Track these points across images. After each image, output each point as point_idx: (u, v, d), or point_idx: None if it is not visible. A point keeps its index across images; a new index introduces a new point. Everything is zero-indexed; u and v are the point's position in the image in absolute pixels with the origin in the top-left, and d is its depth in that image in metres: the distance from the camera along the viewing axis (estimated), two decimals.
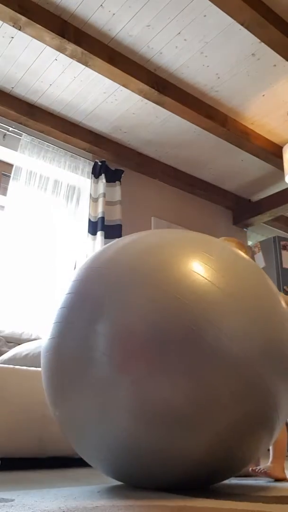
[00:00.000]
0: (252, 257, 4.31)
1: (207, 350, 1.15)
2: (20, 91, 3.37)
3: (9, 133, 3.44)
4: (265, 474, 1.68)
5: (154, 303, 1.20)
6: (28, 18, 2.61)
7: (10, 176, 3.41)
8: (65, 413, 1.35)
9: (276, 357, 1.24)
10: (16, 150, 3.44)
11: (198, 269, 1.26)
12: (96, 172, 3.83)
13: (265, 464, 1.78)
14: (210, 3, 2.54)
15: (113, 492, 1.33)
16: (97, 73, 3.10)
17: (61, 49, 2.84)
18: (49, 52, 2.98)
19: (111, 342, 1.21)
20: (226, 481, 1.68)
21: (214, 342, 1.16)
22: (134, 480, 1.36)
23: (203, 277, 1.24)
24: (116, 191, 3.86)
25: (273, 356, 1.23)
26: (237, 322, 1.21)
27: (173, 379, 1.15)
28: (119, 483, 1.56)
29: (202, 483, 1.37)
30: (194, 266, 1.27)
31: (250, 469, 1.73)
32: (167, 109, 3.39)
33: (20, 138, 3.47)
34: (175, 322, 1.17)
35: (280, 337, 1.28)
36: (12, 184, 3.37)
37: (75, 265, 3.57)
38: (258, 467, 1.73)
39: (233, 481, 1.72)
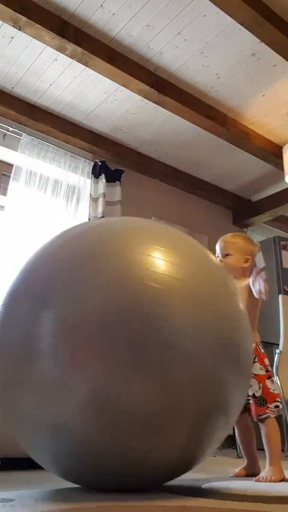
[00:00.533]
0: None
1: (162, 344, 1.10)
2: (20, 91, 3.37)
3: (9, 133, 3.44)
4: (270, 480, 1.69)
5: (109, 293, 1.13)
6: (28, 18, 2.61)
7: (10, 176, 3.41)
8: (13, 414, 1.26)
9: (229, 351, 1.21)
10: (16, 150, 3.44)
11: (156, 261, 1.19)
12: (96, 172, 3.83)
13: (264, 469, 1.78)
14: (210, 3, 2.54)
15: (114, 492, 1.33)
16: (97, 73, 3.10)
17: (61, 49, 2.84)
18: (49, 52, 2.98)
19: (60, 334, 1.12)
20: (226, 482, 1.68)
21: (169, 336, 1.11)
22: (87, 482, 1.29)
23: (161, 269, 1.18)
24: (116, 191, 3.86)
25: (227, 350, 1.20)
26: (192, 316, 1.16)
27: (126, 373, 1.08)
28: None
29: (161, 481, 1.34)
30: (151, 257, 1.20)
31: (254, 479, 1.73)
32: (167, 109, 3.39)
33: (20, 138, 3.47)
34: (129, 314, 1.11)
35: (234, 331, 1.25)
36: (12, 184, 3.37)
37: None
38: (261, 476, 1.73)
39: (232, 481, 1.72)
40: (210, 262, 1.36)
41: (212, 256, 1.40)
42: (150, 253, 1.20)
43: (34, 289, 1.23)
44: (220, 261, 2.03)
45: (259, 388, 1.82)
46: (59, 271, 1.22)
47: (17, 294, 1.28)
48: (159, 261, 1.19)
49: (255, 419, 1.84)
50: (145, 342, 1.09)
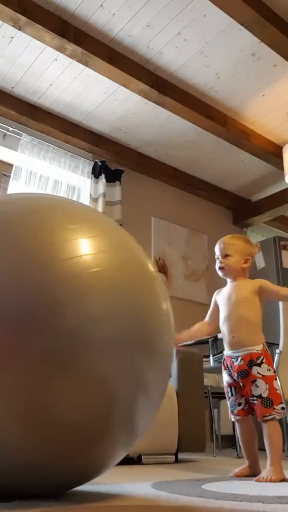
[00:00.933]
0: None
1: (69, 332, 0.99)
2: (20, 91, 3.37)
3: (9, 133, 3.44)
4: (270, 480, 1.69)
5: (13, 275, 1.01)
6: (28, 18, 2.61)
7: (10, 176, 3.41)
8: None
9: (145, 339, 1.12)
10: (16, 150, 3.44)
11: (70, 244, 1.07)
12: (96, 172, 3.83)
13: (265, 469, 1.78)
14: (210, 3, 2.54)
15: (113, 492, 1.33)
16: (97, 73, 3.10)
17: (61, 49, 2.84)
18: (49, 52, 2.98)
19: None
20: (226, 482, 1.69)
21: (78, 323, 1.00)
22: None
23: (74, 253, 1.06)
24: (116, 191, 3.86)
25: (143, 339, 1.11)
26: (105, 303, 1.06)
27: (31, 365, 0.96)
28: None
29: (62, 488, 1.22)
30: (65, 239, 1.08)
31: (254, 479, 1.73)
32: (167, 109, 3.39)
33: (20, 138, 3.47)
34: (34, 299, 0.99)
35: (150, 319, 1.16)
36: (12, 184, 3.37)
37: None
38: (262, 476, 1.73)
39: (233, 481, 1.72)
40: (132, 251, 1.24)
41: (135, 245, 1.28)
42: (64, 238, 1.08)
43: None
44: (220, 262, 2.03)
45: (266, 389, 1.82)
46: None
47: None
48: (75, 247, 1.07)
49: (259, 420, 1.84)
50: (52, 332, 0.98)
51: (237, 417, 1.94)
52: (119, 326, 1.06)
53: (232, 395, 1.94)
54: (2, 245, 1.05)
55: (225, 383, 1.98)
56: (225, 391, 1.98)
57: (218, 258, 2.05)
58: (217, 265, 2.04)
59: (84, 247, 1.09)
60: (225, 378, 1.97)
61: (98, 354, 1.02)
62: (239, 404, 1.92)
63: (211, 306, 2.08)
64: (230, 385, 1.95)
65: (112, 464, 1.23)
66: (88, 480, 1.23)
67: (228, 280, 2.05)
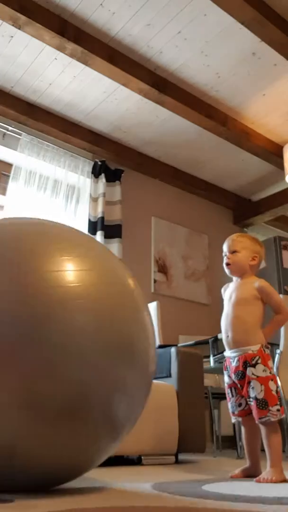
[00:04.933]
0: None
1: (55, 343, 1.15)
2: (20, 90, 3.36)
3: (8, 132, 3.44)
4: (270, 481, 1.68)
5: (7, 294, 1.16)
6: (28, 17, 2.61)
7: (9, 175, 3.40)
8: None
9: (124, 351, 1.27)
10: (15, 149, 3.43)
11: (57, 265, 1.23)
12: (96, 172, 3.82)
13: (265, 470, 1.78)
14: (210, 2, 2.53)
15: (114, 493, 1.32)
16: (97, 73, 3.10)
17: (60, 48, 2.83)
18: (49, 51, 2.98)
19: None
20: (227, 482, 1.68)
21: (62, 336, 1.16)
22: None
23: (60, 273, 1.22)
24: (116, 190, 3.85)
25: (122, 350, 1.26)
26: (88, 318, 1.21)
27: (23, 372, 1.13)
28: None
29: (53, 483, 1.33)
30: (53, 261, 1.24)
31: (255, 480, 1.72)
32: (167, 109, 3.38)
33: (20, 138, 3.46)
34: (25, 314, 1.15)
35: (130, 333, 1.31)
36: (11, 184, 3.36)
37: None
38: (262, 477, 1.72)
39: (233, 481, 1.71)
40: (111, 268, 1.39)
41: (115, 262, 1.43)
42: (51, 259, 1.24)
43: None
44: (228, 258, 2.02)
45: (261, 391, 1.80)
46: None
47: None
48: (62, 268, 1.24)
49: (256, 422, 1.83)
50: (39, 343, 1.14)
51: (238, 418, 1.93)
52: (98, 337, 1.22)
53: (232, 396, 1.94)
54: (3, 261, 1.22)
55: (225, 384, 1.97)
56: (226, 392, 1.97)
57: (225, 255, 2.04)
58: (224, 261, 2.03)
59: (68, 265, 1.25)
60: (225, 379, 1.96)
61: (77, 361, 1.17)
62: (239, 405, 1.91)
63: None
64: (229, 386, 1.94)
65: (98, 458, 1.33)
66: (77, 476, 1.34)
67: (234, 278, 2.04)
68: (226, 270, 2.04)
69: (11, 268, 1.21)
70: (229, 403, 1.96)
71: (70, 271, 1.24)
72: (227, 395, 1.97)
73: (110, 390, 1.25)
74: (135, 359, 1.31)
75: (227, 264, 2.02)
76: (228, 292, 2.02)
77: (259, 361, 1.83)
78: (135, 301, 1.39)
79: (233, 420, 1.98)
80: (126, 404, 1.32)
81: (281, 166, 3.86)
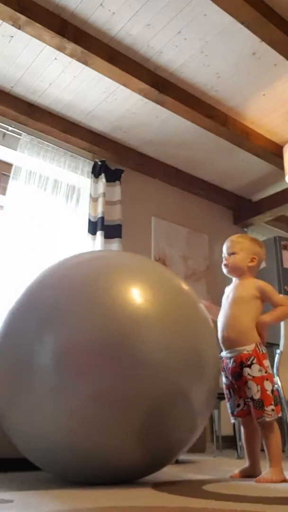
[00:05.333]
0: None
1: (134, 357, 1.40)
2: (20, 90, 3.36)
3: (8, 132, 3.44)
4: (270, 481, 1.69)
5: (97, 322, 1.43)
6: (28, 17, 2.60)
7: (9, 175, 3.40)
8: (15, 419, 1.49)
9: (191, 365, 1.50)
10: (15, 149, 3.43)
11: (133, 293, 1.51)
12: (96, 172, 3.82)
13: (265, 470, 1.78)
14: (210, 2, 2.53)
15: (113, 493, 1.32)
16: (97, 73, 3.10)
17: (61, 48, 2.83)
18: (49, 51, 2.97)
19: (58, 352, 1.41)
20: (227, 482, 1.68)
21: (140, 351, 1.41)
22: (82, 478, 1.50)
23: (136, 300, 1.50)
24: (116, 191, 3.85)
25: (189, 364, 1.50)
26: (160, 337, 1.46)
27: (110, 380, 1.38)
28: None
29: (135, 476, 1.58)
30: (129, 293, 1.51)
31: (255, 480, 1.72)
32: (167, 109, 3.38)
33: (20, 138, 3.46)
34: (111, 335, 1.41)
35: (198, 349, 1.54)
36: (11, 184, 3.36)
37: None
38: (262, 477, 1.72)
39: (233, 482, 1.71)
40: (179, 292, 1.65)
41: (181, 284, 1.69)
42: (129, 289, 1.52)
43: (39, 310, 1.51)
44: (226, 259, 2.03)
45: (258, 391, 1.80)
46: (59, 298, 1.51)
47: (23, 312, 1.55)
48: (135, 295, 1.51)
49: (255, 421, 1.83)
50: (120, 357, 1.39)
51: (238, 418, 1.93)
52: (171, 351, 1.46)
53: (231, 396, 1.94)
54: (91, 295, 1.50)
55: (223, 385, 1.97)
56: (225, 392, 1.97)
57: (224, 256, 2.05)
58: (223, 262, 2.04)
59: (147, 297, 1.52)
60: (223, 379, 1.96)
61: (153, 371, 1.42)
62: (238, 405, 1.91)
63: None
64: (227, 387, 1.95)
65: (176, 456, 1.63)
66: (160, 468, 1.63)
67: (234, 278, 2.04)
68: (224, 271, 2.05)
69: (93, 295, 1.48)
70: (228, 404, 1.96)
71: (140, 292, 1.51)
72: (226, 396, 1.97)
73: (179, 400, 1.46)
74: (205, 372, 1.54)
75: (225, 265, 2.03)
76: (226, 292, 2.02)
77: (255, 361, 1.84)
78: (200, 312, 1.64)
79: (233, 420, 1.98)
80: (193, 415, 1.52)
81: (281, 166, 3.86)
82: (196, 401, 1.51)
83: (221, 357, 1.95)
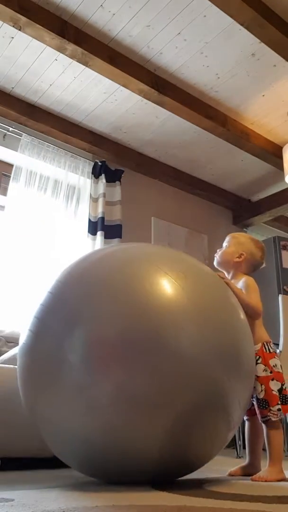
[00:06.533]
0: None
1: (167, 351, 1.35)
2: (20, 91, 3.37)
3: (9, 133, 3.44)
4: (265, 480, 1.69)
5: (124, 312, 1.39)
6: (28, 18, 2.61)
7: (10, 176, 3.41)
8: (43, 415, 1.47)
9: (228, 359, 1.44)
10: (16, 150, 3.44)
11: (165, 284, 1.44)
12: (96, 172, 3.83)
13: (264, 468, 1.78)
14: (210, 3, 2.54)
15: (113, 492, 1.33)
16: (97, 73, 3.10)
17: (61, 49, 2.84)
18: (49, 52, 2.98)
19: (87, 346, 1.37)
20: (226, 481, 1.69)
21: (174, 345, 1.35)
22: (107, 476, 1.51)
23: (168, 291, 1.43)
24: (116, 191, 3.86)
25: (226, 358, 1.43)
26: (196, 329, 1.39)
27: (141, 375, 1.33)
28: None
29: (168, 477, 1.54)
30: (162, 281, 1.44)
31: (251, 478, 1.73)
32: (167, 109, 3.39)
33: (20, 138, 3.47)
34: (141, 329, 1.36)
35: (233, 342, 1.48)
36: (12, 184, 3.37)
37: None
38: (258, 475, 1.73)
39: (232, 480, 1.72)
40: (213, 282, 1.59)
41: (214, 275, 1.63)
42: (161, 282, 1.45)
43: (67, 306, 1.46)
44: (218, 250, 2.08)
45: (262, 390, 1.80)
46: (87, 294, 1.45)
47: (51, 308, 1.50)
48: (167, 287, 1.44)
49: (260, 421, 1.83)
50: (156, 353, 1.34)
51: (246, 417, 1.94)
52: (208, 346, 1.40)
53: None
54: (119, 289, 1.43)
55: None
56: None
57: (221, 249, 2.09)
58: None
59: (179, 289, 1.45)
60: None
61: (187, 367, 1.36)
62: None
63: None
64: None
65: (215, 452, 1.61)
66: (195, 469, 1.60)
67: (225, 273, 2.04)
68: (214, 263, 2.08)
69: (125, 289, 1.43)
70: None
71: (172, 286, 1.44)
72: None
73: (216, 397, 1.41)
74: (242, 367, 1.49)
75: (214, 257, 2.07)
76: None
77: (259, 361, 1.84)
78: (233, 306, 1.59)
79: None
80: (227, 416, 1.47)
81: (280, 167, 3.86)
82: (233, 399, 1.46)
83: None
